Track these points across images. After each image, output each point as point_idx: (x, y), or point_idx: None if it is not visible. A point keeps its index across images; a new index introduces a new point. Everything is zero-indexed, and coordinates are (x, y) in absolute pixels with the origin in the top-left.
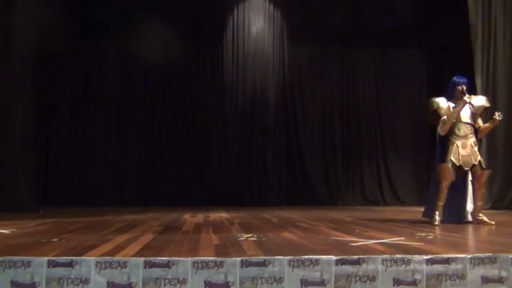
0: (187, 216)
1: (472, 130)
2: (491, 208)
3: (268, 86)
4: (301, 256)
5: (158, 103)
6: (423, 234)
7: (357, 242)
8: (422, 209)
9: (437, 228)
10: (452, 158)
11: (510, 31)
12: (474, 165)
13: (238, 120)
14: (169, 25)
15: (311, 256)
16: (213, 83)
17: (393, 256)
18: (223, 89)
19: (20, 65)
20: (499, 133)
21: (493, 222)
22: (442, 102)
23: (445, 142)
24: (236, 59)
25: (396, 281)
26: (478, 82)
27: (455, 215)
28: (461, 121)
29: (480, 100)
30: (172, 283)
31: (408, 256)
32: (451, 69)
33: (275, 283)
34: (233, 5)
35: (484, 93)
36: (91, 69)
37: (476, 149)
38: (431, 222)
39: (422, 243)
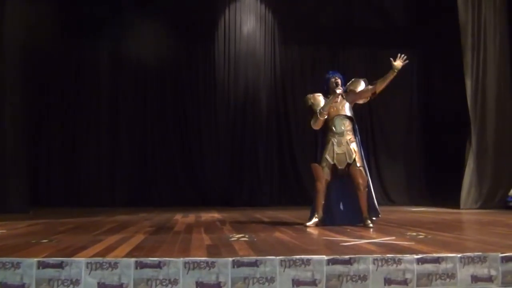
0: (178, 217)
1: (351, 126)
2: (480, 208)
3: (259, 86)
4: (292, 256)
5: (149, 103)
6: (414, 234)
7: (348, 242)
8: (413, 209)
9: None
10: (327, 156)
11: (499, 32)
12: (349, 164)
13: (229, 120)
14: (161, 25)
15: (302, 256)
16: (205, 83)
17: (384, 255)
18: (215, 89)
19: (10, 64)
20: (488, 134)
21: (371, 225)
22: (317, 97)
23: (324, 139)
24: (227, 59)
25: (387, 281)
26: (468, 83)
27: (348, 217)
28: (338, 115)
29: (360, 83)
30: (164, 283)
31: (399, 256)
32: (441, 69)
33: (266, 283)
34: (224, 5)
35: (474, 94)
36: (82, 68)
37: (352, 146)
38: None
39: (413, 243)
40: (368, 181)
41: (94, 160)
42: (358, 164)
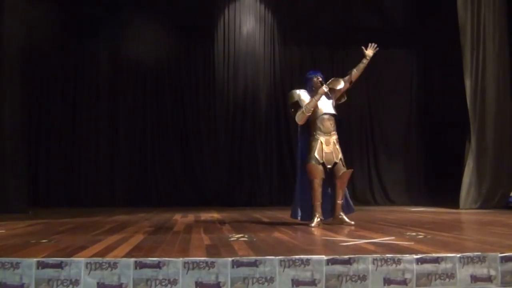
0: (178, 217)
1: (335, 126)
2: (480, 208)
3: (259, 86)
4: (292, 256)
5: (149, 103)
6: (413, 234)
7: (348, 242)
8: (412, 209)
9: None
10: (317, 156)
11: (498, 31)
12: (335, 163)
13: (229, 120)
14: (160, 25)
15: (302, 256)
16: (204, 84)
17: (383, 255)
18: (214, 89)
19: (9, 65)
20: (488, 133)
21: (352, 222)
22: (303, 94)
23: (308, 138)
24: (227, 59)
25: (387, 281)
26: (467, 82)
27: (327, 212)
28: (324, 114)
29: (339, 82)
30: (163, 283)
31: (399, 256)
32: (441, 69)
33: (266, 283)
34: (224, 5)
35: (473, 93)
36: (82, 68)
37: (338, 146)
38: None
39: (412, 243)
40: None
41: (94, 160)
42: (344, 164)
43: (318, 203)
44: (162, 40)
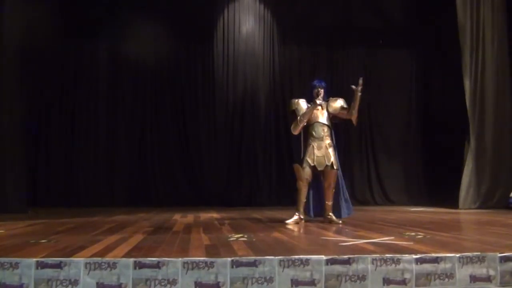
0: (177, 217)
1: (329, 132)
2: (479, 208)
3: (258, 86)
4: (291, 256)
5: (148, 103)
6: (413, 234)
7: (347, 242)
8: (411, 209)
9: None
10: (308, 159)
11: (498, 31)
12: (326, 166)
13: (228, 121)
14: (160, 25)
15: (301, 256)
16: (204, 84)
17: (382, 255)
18: (214, 89)
19: (8, 65)
20: (487, 134)
21: (340, 221)
22: (301, 103)
23: (305, 143)
24: (226, 59)
25: (386, 281)
26: (467, 82)
27: (320, 210)
28: (317, 122)
29: (336, 102)
30: (162, 283)
31: (398, 256)
32: (440, 70)
33: (265, 283)
34: (223, 5)
35: (473, 94)
36: (81, 68)
37: (330, 150)
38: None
39: (412, 243)
40: (339, 182)
41: (93, 160)
42: (335, 167)
43: (301, 203)
44: (162, 40)
